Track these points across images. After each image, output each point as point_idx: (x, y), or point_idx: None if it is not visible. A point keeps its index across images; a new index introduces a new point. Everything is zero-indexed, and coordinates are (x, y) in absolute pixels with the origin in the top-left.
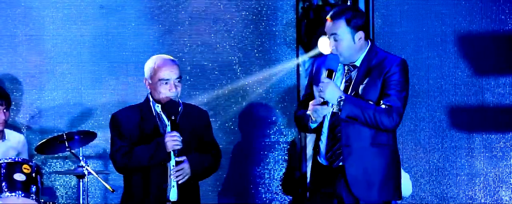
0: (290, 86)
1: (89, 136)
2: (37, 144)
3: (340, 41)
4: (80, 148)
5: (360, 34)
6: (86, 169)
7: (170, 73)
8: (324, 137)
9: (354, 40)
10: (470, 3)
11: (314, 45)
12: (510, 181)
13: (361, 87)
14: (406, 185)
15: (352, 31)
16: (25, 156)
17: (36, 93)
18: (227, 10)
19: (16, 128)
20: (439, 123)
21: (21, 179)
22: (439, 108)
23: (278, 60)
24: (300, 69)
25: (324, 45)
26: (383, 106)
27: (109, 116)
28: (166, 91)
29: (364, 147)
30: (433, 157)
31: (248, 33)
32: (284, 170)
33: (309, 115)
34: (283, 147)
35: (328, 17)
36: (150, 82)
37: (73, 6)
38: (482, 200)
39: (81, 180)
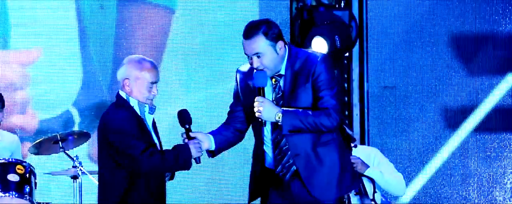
0: None
1: (83, 136)
2: (32, 145)
3: (263, 57)
4: (74, 149)
5: (280, 44)
6: (80, 169)
7: (157, 76)
8: (269, 150)
9: (276, 51)
10: (463, 4)
11: (308, 45)
12: (503, 181)
13: (293, 95)
14: (400, 186)
15: (272, 43)
16: (18, 156)
17: (29, 93)
18: (221, 10)
19: (9, 128)
20: (432, 124)
21: (15, 180)
22: (432, 108)
23: None
24: None
25: (318, 45)
26: (320, 110)
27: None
28: (150, 94)
29: (312, 150)
30: (427, 158)
31: (241, 32)
32: None
33: None
34: None
35: (243, 36)
36: (133, 82)
37: (70, 4)
38: (476, 201)
39: (75, 180)
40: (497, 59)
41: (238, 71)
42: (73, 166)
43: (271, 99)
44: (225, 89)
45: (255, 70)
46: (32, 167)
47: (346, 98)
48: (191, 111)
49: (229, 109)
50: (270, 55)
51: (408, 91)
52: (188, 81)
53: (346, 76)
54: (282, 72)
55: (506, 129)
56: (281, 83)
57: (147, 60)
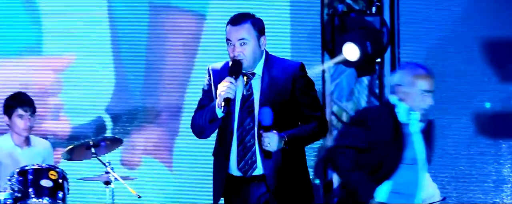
0: None
1: (116, 142)
2: (64, 150)
3: (247, 45)
4: (106, 154)
5: (263, 40)
6: (112, 175)
7: (432, 84)
8: (233, 148)
9: (259, 44)
10: (498, 8)
11: (339, 51)
12: None
13: (269, 99)
14: (435, 191)
15: (258, 35)
16: (51, 162)
17: (62, 99)
18: None
19: (42, 134)
20: (465, 130)
21: (48, 185)
22: (465, 114)
23: None
24: (325, 75)
25: (349, 51)
26: (313, 120)
27: (135, 122)
28: (423, 103)
29: (278, 158)
30: (460, 164)
31: (273, 39)
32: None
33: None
34: (309, 153)
35: (229, 24)
36: (406, 90)
37: (102, 10)
38: None
39: (107, 186)
40: None
41: (212, 68)
42: (105, 172)
43: (240, 96)
44: None
45: (232, 63)
46: (65, 172)
47: (378, 104)
48: None
49: (200, 105)
50: (253, 46)
51: (440, 97)
52: None
53: (377, 82)
54: (257, 72)
55: None
56: (255, 83)
57: (423, 67)
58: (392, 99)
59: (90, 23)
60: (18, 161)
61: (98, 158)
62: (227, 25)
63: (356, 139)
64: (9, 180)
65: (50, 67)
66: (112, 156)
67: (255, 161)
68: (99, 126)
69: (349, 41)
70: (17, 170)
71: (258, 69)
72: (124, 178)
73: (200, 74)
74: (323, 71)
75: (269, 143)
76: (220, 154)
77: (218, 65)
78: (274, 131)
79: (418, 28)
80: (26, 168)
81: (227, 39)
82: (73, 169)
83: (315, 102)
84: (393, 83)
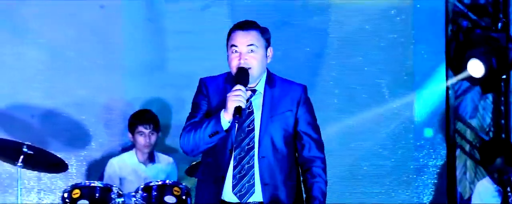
0: (439, 109)
1: None
2: (188, 167)
3: (255, 53)
4: None
5: (270, 51)
6: None
7: None
8: (229, 173)
9: (266, 54)
10: None
11: (464, 67)
12: None
13: (272, 119)
14: None
15: (266, 44)
16: (174, 178)
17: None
18: (374, 34)
19: (165, 150)
20: None
21: (171, 202)
22: None
23: (427, 82)
24: (450, 91)
25: (474, 68)
26: (316, 166)
27: None
28: None
29: (278, 185)
30: None
31: (396, 55)
32: (433, 194)
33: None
34: (432, 170)
35: (236, 29)
36: None
37: (225, 27)
38: None
39: None
40: None
41: (206, 80)
42: None
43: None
44: (377, 112)
45: (239, 71)
46: (189, 189)
47: (503, 121)
48: (347, 133)
49: (192, 119)
50: (262, 55)
51: None
52: (343, 102)
53: (503, 99)
54: (258, 88)
55: None
56: (256, 100)
57: None
58: None
59: (212, 41)
60: (142, 178)
61: None
62: (232, 31)
63: None
64: (134, 196)
65: (173, 84)
66: None
67: (253, 185)
68: None
69: (474, 58)
70: (142, 186)
71: (260, 86)
72: None
73: (323, 91)
74: (447, 88)
75: None
76: (213, 177)
77: (213, 77)
78: None
79: None
80: (151, 184)
81: (232, 45)
82: (195, 185)
83: (318, 134)
84: None
